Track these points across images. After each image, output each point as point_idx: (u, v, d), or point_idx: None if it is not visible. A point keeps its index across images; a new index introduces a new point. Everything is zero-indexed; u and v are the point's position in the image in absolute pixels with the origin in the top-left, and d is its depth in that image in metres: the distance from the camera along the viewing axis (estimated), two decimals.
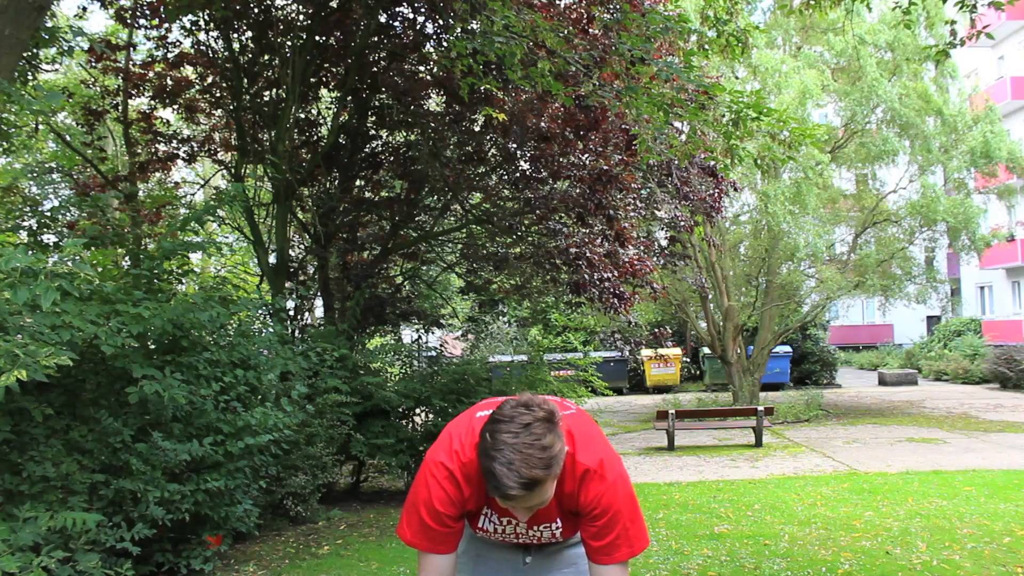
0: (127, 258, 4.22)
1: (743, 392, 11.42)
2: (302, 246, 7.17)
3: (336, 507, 5.18)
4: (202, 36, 5.98)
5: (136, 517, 3.35)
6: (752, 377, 11.56)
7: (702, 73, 4.19)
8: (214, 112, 6.69)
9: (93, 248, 3.79)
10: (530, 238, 6.21)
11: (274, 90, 6.04)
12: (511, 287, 7.08)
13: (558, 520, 1.29)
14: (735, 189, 7.13)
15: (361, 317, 6.09)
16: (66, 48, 4.15)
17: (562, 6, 5.20)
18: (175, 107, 6.36)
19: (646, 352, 14.66)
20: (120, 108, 6.29)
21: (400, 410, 5.52)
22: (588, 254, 5.67)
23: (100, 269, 3.82)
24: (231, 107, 6.00)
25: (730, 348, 11.54)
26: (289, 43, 5.77)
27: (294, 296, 6.10)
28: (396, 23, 6.20)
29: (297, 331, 6.03)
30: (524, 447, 1.07)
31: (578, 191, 5.49)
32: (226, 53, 5.85)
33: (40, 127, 6.49)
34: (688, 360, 17.61)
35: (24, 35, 2.85)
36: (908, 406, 11.61)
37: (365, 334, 6.55)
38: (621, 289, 5.42)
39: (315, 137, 6.56)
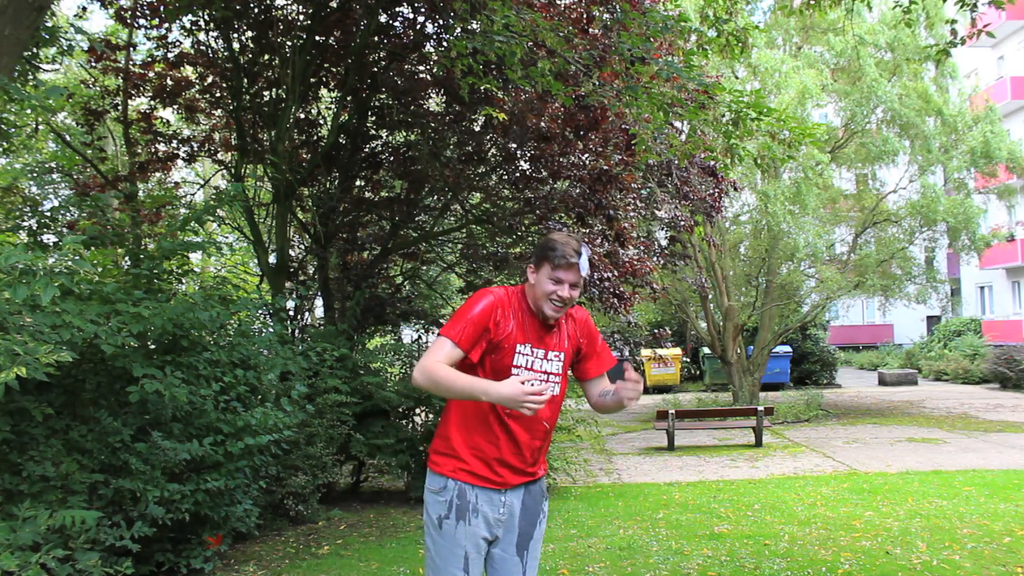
0: (127, 258, 4.21)
1: (743, 392, 11.39)
2: (302, 246, 7.15)
3: (336, 507, 5.16)
4: (202, 36, 5.95)
5: (136, 516, 3.34)
6: (752, 377, 11.53)
7: (702, 73, 4.18)
8: (214, 112, 6.68)
9: (93, 248, 3.80)
10: (530, 238, 6.19)
11: (274, 90, 6.00)
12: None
13: (563, 353, 1.85)
14: (735, 189, 7.11)
15: (361, 317, 6.06)
16: (66, 47, 4.15)
17: (562, 6, 5.19)
18: (175, 107, 6.34)
19: (646, 352, 14.67)
20: (120, 108, 6.26)
21: (400, 410, 5.51)
22: (588, 253, 5.68)
23: (100, 268, 3.84)
24: (231, 107, 5.97)
25: (730, 348, 11.51)
26: (289, 43, 5.75)
27: (294, 296, 6.11)
28: (396, 23, 6.18)
29: (297, 331, 6.02)
30: (569, 235, 1.84)
31: (578, 191, 5.49)
32: (226, 53, 5.82)
33: (40, 127, 6.49)
34: (688, 360, 17.59)
35: (24, 34, 2.85)
36: (908, 406, 11.57)
37: (365, 334, 6.53)
38: (621, 289, 5.42)
39: (315, 137, 6.54)
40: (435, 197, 6.75)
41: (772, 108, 3.43)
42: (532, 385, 1.75)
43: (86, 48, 5.87)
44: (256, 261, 6.89)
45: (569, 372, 1.99)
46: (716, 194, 6.82)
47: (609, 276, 5.48)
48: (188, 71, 6.38)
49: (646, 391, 16.29)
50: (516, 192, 6.06)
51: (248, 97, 5.96)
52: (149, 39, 6.24)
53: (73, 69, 8.94)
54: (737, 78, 10.31)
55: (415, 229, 6.88)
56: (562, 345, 1.89)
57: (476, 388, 1.68)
